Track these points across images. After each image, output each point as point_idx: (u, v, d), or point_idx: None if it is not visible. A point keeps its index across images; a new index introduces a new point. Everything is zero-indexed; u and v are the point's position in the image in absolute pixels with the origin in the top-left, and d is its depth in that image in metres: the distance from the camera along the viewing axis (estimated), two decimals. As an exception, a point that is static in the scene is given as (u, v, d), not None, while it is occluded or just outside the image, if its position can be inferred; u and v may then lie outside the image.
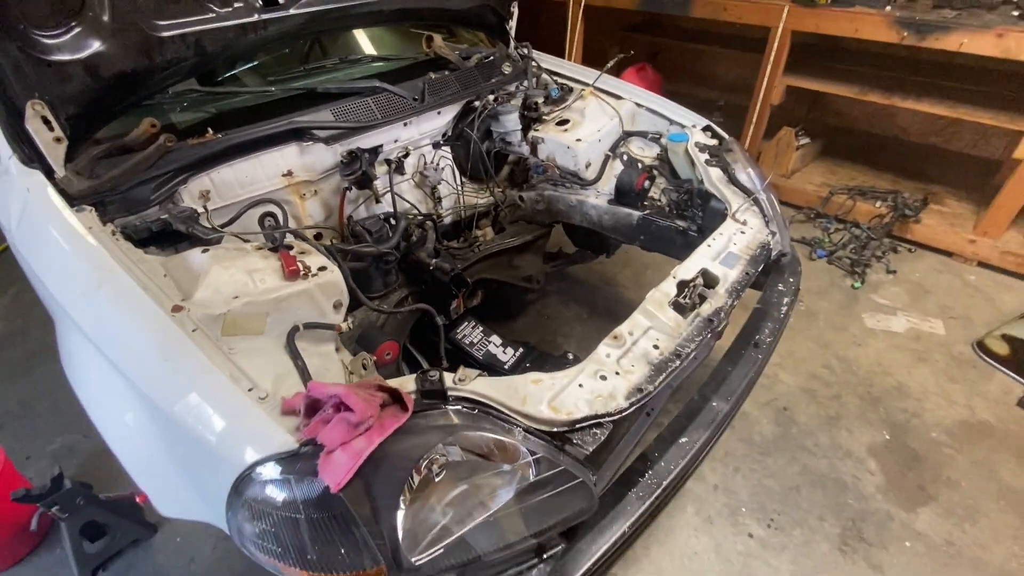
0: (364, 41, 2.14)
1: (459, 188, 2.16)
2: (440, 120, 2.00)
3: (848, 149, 3.89)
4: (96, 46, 1.29)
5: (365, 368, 1.35)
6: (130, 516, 1.77)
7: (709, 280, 1.35)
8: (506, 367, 2.00)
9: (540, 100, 2.20)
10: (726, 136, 1.98)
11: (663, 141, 2.07)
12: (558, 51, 3.97)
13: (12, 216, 1.35)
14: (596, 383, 1.09)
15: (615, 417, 1.04)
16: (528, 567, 0.99)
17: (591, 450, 1.01)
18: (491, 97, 2.06)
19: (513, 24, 2.38)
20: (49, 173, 1.32)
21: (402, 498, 0.91)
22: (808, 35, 3.12)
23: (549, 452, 0.99)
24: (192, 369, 0.97)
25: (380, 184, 1.82)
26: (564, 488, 0.98)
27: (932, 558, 1.77)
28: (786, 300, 1.60)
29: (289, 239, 1.42)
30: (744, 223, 1.61)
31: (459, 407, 0.99)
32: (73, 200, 1.30)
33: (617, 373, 1.12)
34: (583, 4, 3.81)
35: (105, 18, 1.28)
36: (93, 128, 1.41)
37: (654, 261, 2.68)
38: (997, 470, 2.02)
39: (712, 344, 1.63)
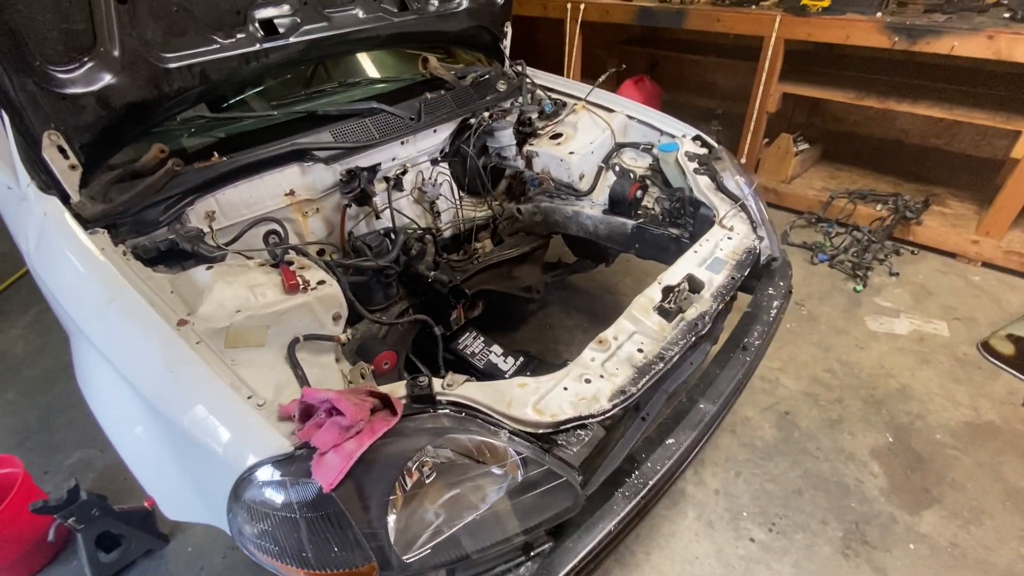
0: (363, 64, 2.23)
1: (457, 202, 2.22)
2: (436, 138, 2.07)
3: (849, 153, 3.90)
4: (107, 79, 1.37)
5: (363, 377, 1.41)
6: (144, 527, 1.83)
7: (694, 285, 1.39)
8: (507, 376, 2.04)
9: (534, 115, 2.27)
10: (715, 145, 2.02)
11: (654, 151, 2.12)
12: (557, 66, 4.07)
13: (31, 239, 1.43)
14: (580, 386, 1.13)
15: (598, 418, 1.08)
16: (516, 564, 1.03)
17: (576, 450, 1.05)
18: (486, 114, 2.13)
19: (507, 43, 2.46)
20: (65, 198, 1.41)
21: (392, 498, 0.95)
22: (804, 42, 3.16)
23: (534, 453, 1.03)
24: (195, 379, 1.03)
25: (379, 200, 1.89)
26: (549, 487, 1.02)
27: (936, 560, 1.75)
28: (776, 303, 1.63)
29: (291, 255, 1.48)
30: (731, 229, 1.64)
31: (447, 411, 1.04)
32: (87, 223, 1.38)
33: (601, 376, 1.16)
34: (580, 20, 3.89)
35: (115, 53, 1.37)
36: (106, 155, 1.49)
37: (654, 269, 2.69)
38: (1003, 471, 2.00)
39: (708, 348, 1.66)
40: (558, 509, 1.04)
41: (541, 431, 1.06)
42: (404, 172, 1.98)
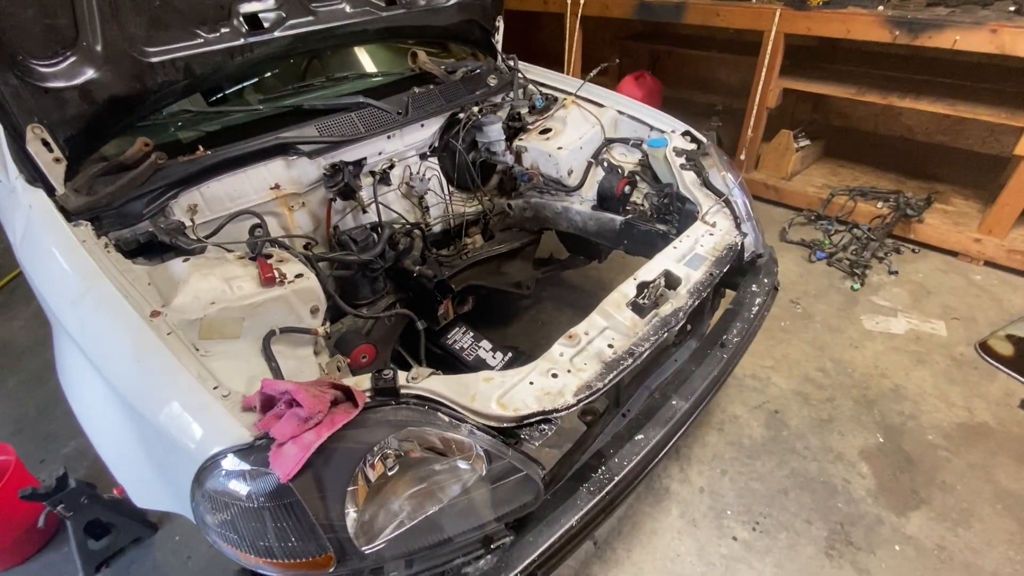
0: (351, 59, 2.23)
1: (447, 197, 2.23)
2: (424, 132, 2.07)
3: (852, 150, 3.85)
4: (90, 73, 1.39)
5: (339, 370, 1.41)
6: (132, 515, 1.86)
7: (671, 281, 1.38)
8: (495, 371, 2.04)
9: (524, 110, 2.26)
10: (704, 140, 2.00)
11: (644, 147, 2.11)
12: (558, 61, 4.05)
13: (18, 231, 1.46)
14: (547, 380, 1.13)
15: (562, 413, 1.08)
16: (475, 557, 1.03)
17: (538, 444, 1.05)
18: (475, 108, 2.12)
19: (499, 37, 2.45)
20: (50, 191, 1.43)
21: (353, 489, 0.96)
22: (807, 37, 3.12)
23: (496, 447, 1.03)
24: (162, 369, 1.04)
25: (365, 195, 1.89)
26: (509, 481, 1.02)
27: (922, 563, 1.73)
28: (758, 300, 1.61)
29: (271, 248, 1.49)
30: (713, 225, 1.63)
31: (409, 404, 1.04)
32: (71, 215, 1.40)
33: (569, 371, 1.15)
34: (580, 15, 3.87)
35: (98, 47, 1.38)
36: (90, 148, 1.51)
37: (647, 266, 2.71)
38: (994, 473, 1.97)
39: (693, 346, 1.66)
40: (519, 503, 1.04)
41: (504, 425, 1.06)
42: (391, 167, 1.99)
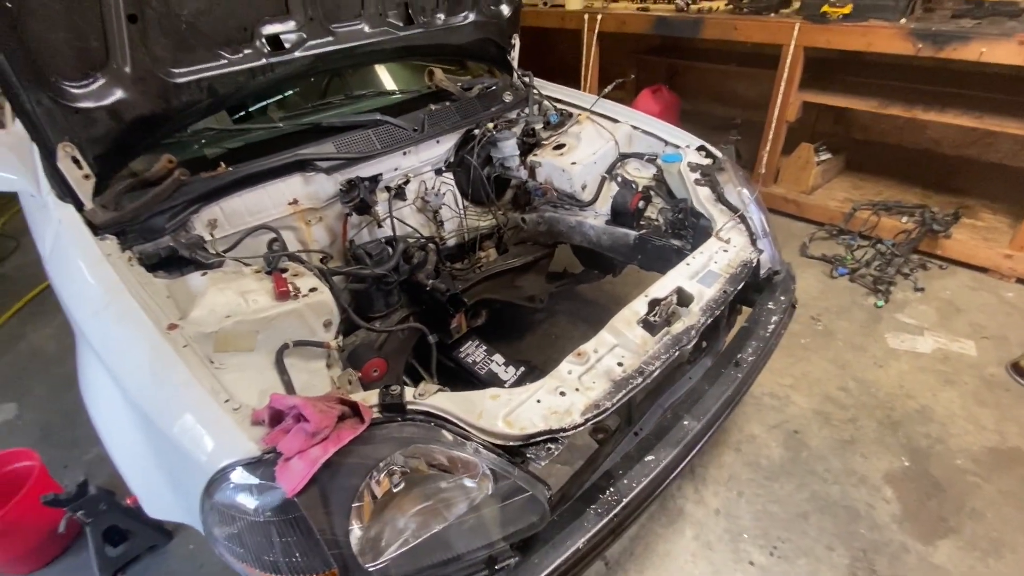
0: (370, 77, 2.28)
1: (461, 212, 2.25)
2: (440, 148, 2.10)
3: (875, 163, 3.77)
4: (119, 94, 1.44)
5: (350, 384, 1.43)
6: (148, 523, 1.89)
7: (683, 298, 1.36)
8: (507, 385, 2.03)
9: (539, 126, 2.28)
10: (719, 155, 1.98)
11: (658, 162, 2.10)
12: (575, 77, 4.07)
13: (47, 245, 1.52)
14: (554, 399, 1.12)
15: (569, 432, 1.06)
16: (479, 578, 1.02)
17: (544, 463, 1.03)
18: (490, 125, 2.15)
19: (515, 55, 2.48)
20: (79, 206, 1.48)
21: (359, 505, 0.96)
22: (828, 50, 3.08)
23: (501, 466, 1.02)
24: (176, 381, 1.06)
25: (381, 209, 1.92)
26: (515, 501, 1.01)
27: (950, 594, 1.66)
28: (775, 318, 1.58)
29: (287, 262, 1.52)
30: (728, 241, 1.61)
31: (415, 420, 1.04)
32: (98, 230, 1.45)
33: (577, 389, 1.14)
34: (597, 31, 3.89)
35: (127, 69, 1.44)
36: (118, 165, 1.57)
37: (663, 280, 2.68)
38: (1028, 501, 1.88)
39: (708, 364, 1.63)
40: (525, 524, 1.03)
41: (510, 444, 1.06)
42: (407, 182, 2.02)
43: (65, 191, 1.47)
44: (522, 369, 2.13)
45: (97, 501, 1.74)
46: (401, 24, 2.01)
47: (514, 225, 2.37)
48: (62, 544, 1.94)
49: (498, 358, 2.17)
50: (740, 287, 1.48)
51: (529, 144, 2.26)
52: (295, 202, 1.80)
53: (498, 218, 2.33)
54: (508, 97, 2.29)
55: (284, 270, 1.47)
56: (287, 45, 1.75)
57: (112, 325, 1.18)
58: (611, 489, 1.16)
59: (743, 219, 1.70)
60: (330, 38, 1.84)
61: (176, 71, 1.55)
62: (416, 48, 2.14)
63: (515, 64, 2.48)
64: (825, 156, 3.53)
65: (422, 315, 1.99)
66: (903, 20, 2.78)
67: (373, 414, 1.02)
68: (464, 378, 2.13)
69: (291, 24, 1.74)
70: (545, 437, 1.06)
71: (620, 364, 1.21)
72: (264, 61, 1.71)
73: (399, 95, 2.23)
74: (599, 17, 3.83)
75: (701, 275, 1.48)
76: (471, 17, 2.19)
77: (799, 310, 2.06)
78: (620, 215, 2.09)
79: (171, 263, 1.53)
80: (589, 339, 1.28)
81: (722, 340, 1.83)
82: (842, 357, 2.51)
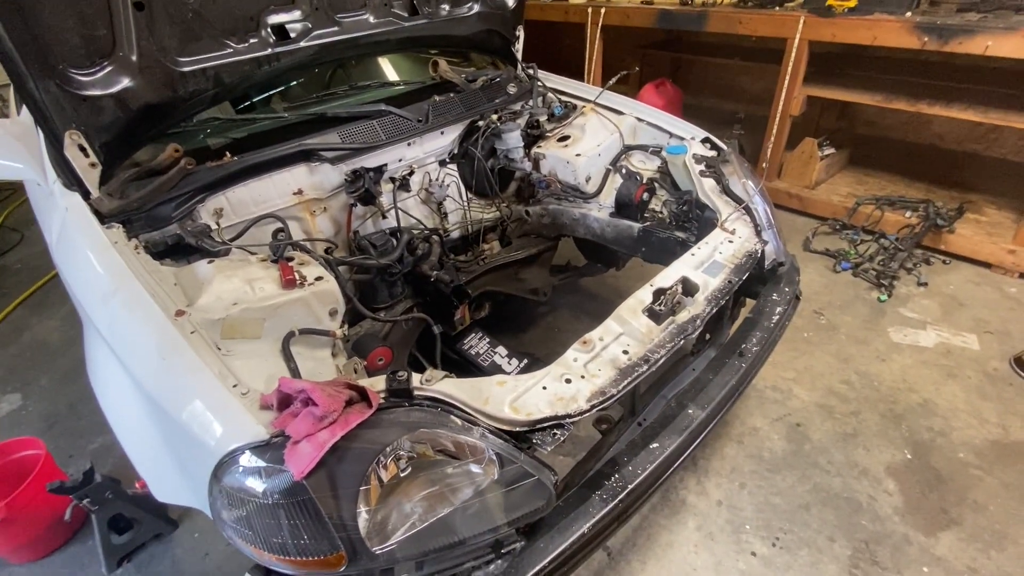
0: (374, 68, 2.28)
1: (465, 204, 2.25)
2: (444, 140, 2.10)
3: (879, 158, 3.76)
4: (125, 82, 1.44)
5: (355, 373, 1.43)
6: (154, 511, 1.90)
7: (688, 288, 1.36)
8: (508, 375, 2.04)
9: (543, 118, 2.28)
10: (724, 147, 1.98)
11: (663, 154, 2.10)
12: (579, 71, 4.06)
13: (54, 233, 1.52)
14: (560, 386, 1.12)
15: (575, 418, 1.07)
16: (485, 562, 1.02)
17: (550, 449, 1.04)
18: (494, 116, 2.15)
19: (520, 47, 2.47)
20: (85, 195, 1.49)
21: (366, 488, 0.97)
22: (832, 44, 3.07)
23: (508, 451, 1.03)
24: (184, 366, 1.07)
25: (385, 200, 1.93)
26: (521, 486, 1.02)
27: (952, 585, 1.66)
28: (779, 310, 1.58)
29: (292, 251, 1.53)
30: (733, 232, 1.61)
31: (422, 405, 1.05)
32: (104, 218, 1.46)
33: (583, 377, 1.15)
34: (600, 24, 3.88)
35: (133, 57, 1.44)
36: (124, 154, 1.57)
37: (666, 274, 2.68)
38: (1030, 494, 1.88)
39: (712, 355, 1.63)
40: (530, 508, 1.03)
41: (516, 429, 1.06)
42: (411, 173, 2.02)
43: (72, 179, 1.48)
44: (525, 361, 2.13)
45: (103, 489, 1.75)
46: (406, 14, 2.01)
47: (518, 217, 2.37)
48: (68, 532, 1.95)
49: (501, 350, 2.17)
50: (745, 277, 1.48)
51: (533, 136, 2.26)
52: (300, 192, 1.80)
53: (502, 210, 2.33)
54: (512, 89, 2.29)
55: (290, 259, 1.48)
56: (292, 34, 1.75)
57: (120, 311, 1.19)
58: (616, 476, 1.17)
59: (748, 210, 1.70)
60: (335, 28, 1.84)
61: (182, 60, 1.55)
62: (421, 39, 2.13)
63: (519, 56, 2.47)
64: (829, 151, 3.52)
65: (426, 306, 2.00)
66: (908, 14, 2.77)
67: (380, 399, 1.03)
68: (467, 370, 2.14)
69: (297, 14, 1.74)
70: (551, 423, 1.06)
71: (625, 352, 1.21)
72: (270, 51, 1.71)
73: (403, 86, 2.23)
74: (603, 10, 3.82)
75: (706, 265, 1.48)
76: (476, 8, 2.18)
77: (802, 304, 2.06)
78: (624, 207, 2.09)
79: (177, 251, 1.53)
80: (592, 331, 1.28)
81: (726, 332, 1.84)
82: (845, 351, 2.52)
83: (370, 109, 1.92)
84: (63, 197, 1.50)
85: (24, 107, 1.80)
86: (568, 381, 1.14)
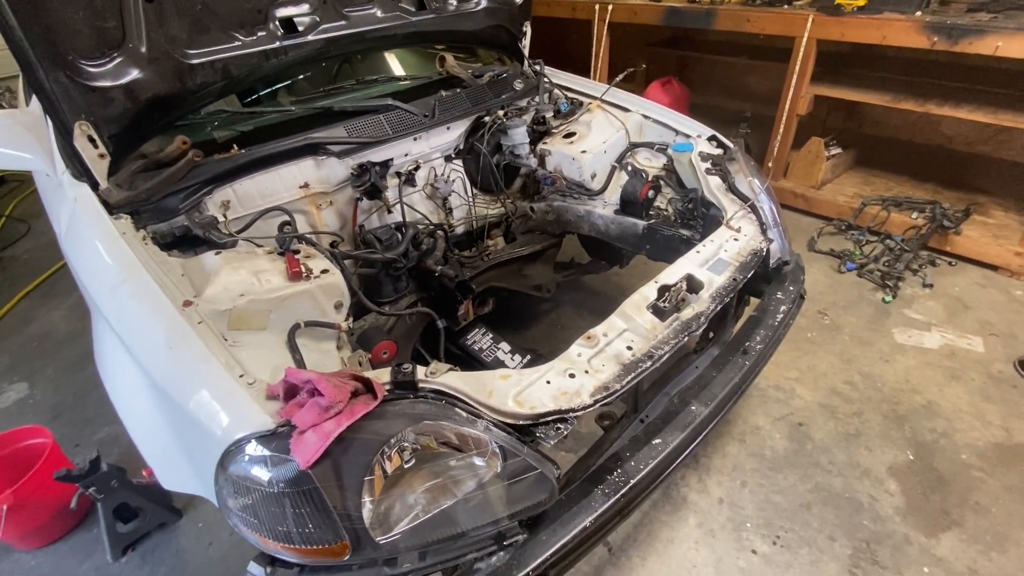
0: (381, 62, 2.28)
1: (470, 199, 2.25)
2: (450, 135, 2.10)
3: (886, 159, 3.74)
4: (134, 73, 1.45)
5: (360, 366, 1.44)
6: (159, 500, 1.92)
7: (693, 285, 1.36)
8: (512, 369, 2.04)
9: (549, 114, 2.28)
10: (730, 145, 1.98)
11: (669, 151, 2.09)
12: (585, 68, 4.05)
13: (63, 223, 1.53)
14: (564, 380, 1.13)
15: (578, 412, 1.08)
16: (488, 553, 1.03)
17: (553, 443, 1.05)
18: (500, 112, 2.15)
19: (527, 43, 2.47)
20: (94, 185, 1.49)
21: (370, 478, 0.98)
22: (840, 43, 3.06)
23: (511, 444, 1.03)
24: (192, 356, 1.08)
25: (391, 195, 1.93)
26: (524, 479, 1.02)
27: (952, 586, 1.66)
28: (783, 308, 1.58)
29: (299, 244, 1.54)
30: (738, 230, 1.61)
31: (427, 397, 1.05)
32: (113, 209, 1.47)
33: (587, 372, 1.15)
34: (608, 21, 3.87)
35: (143, 49, 1.45)
36: (133, 145, 1.58)
37: (670, 272, 2.68)
38: (1033, 496, 1.88)
39: (715, 353, 1.63)
40: (533, 501, 1.04)
41: (520, 423, 1.07)
42: (417, 168, 2.02)
43: (81, 170, 1.48)
44: (528, 357, 2.13)
45: (109, 478, 1.76)
46: (413, 9, 2.01)
47: (522, 214, 2.37)
48: (74, 520, 1.97)
49: (504, 346, 2.18)
50: (749, 276, 1.48)
51: (539, 132, 2.26)
52: (306, 185, 1.81)
53: (507, 206, 2.33)
54: (519, 85, 2.28)
55: (296, 251, 1.48)
56: (300, 28, 1.75)
57: (128, 301, 1.20)
58: (618, 471, 1.17)
59: (754, 209, 1.70)
60: (343, 22, 1.85)
61: (191, 52, 1.56)
62: (428, 34, 2.14)
63: (526, 52, 2.47)
64: (835, 151, 3.51)
65: (430, 301, 2.00)
66: (918, 13, 2.76)
67: (385, 391, 1.04)
68: (470, 365, 2.14)
69: (305, 7, 1.75)
70: (554, 417, 1.07)
71: (629, 348, 1.22)
72: (278, 44, 1.72)
73: (410, 81, 2.23)
74: (610, 7, 3.81)
75: (711, 263, 1.48)
76: (483, 3, 2.18)
77: (806, 304, 2.05)
78: (629, 204, 2.09)
79: (184, 242, 1.55)
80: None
81: (729, 330, 1.84)
82: (848, 351, 2.51)
83: (377, 104, 1.93)
84: (72, 188, 1.51)
85: (33, 98, 1.83)
86: (572, 376, 1.14)
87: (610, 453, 1.29)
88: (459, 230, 2.27)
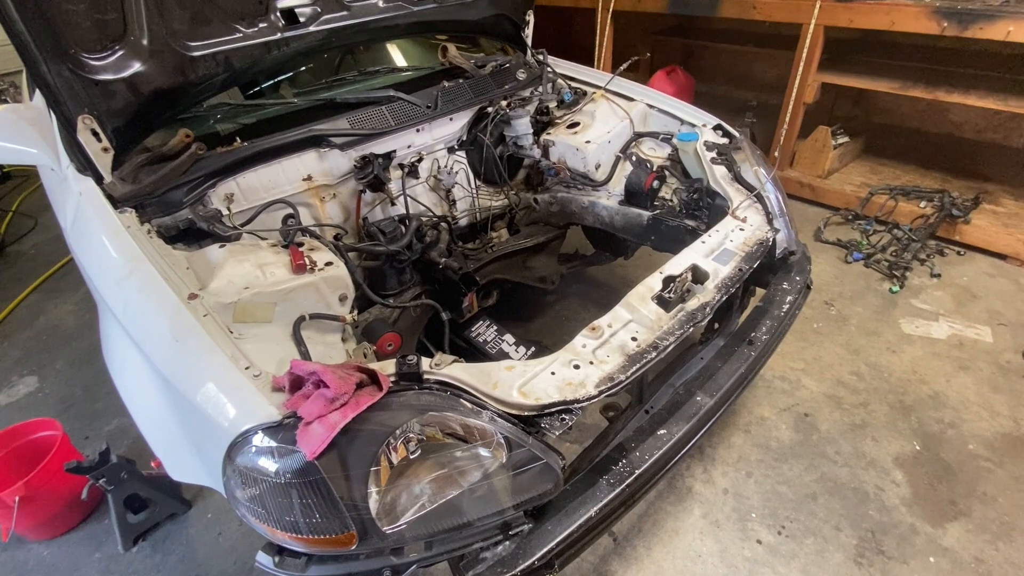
0: (383, 53, 2.27)
1: (474, 191, 2.24)
2: (453, 126, 2.09)
3: (894, 148, 3.70)
4: (136, 66, 1.45)
5: (365, 358, 1.45)
6: (168, 491, 1.94)
7: (698, 276, 1.36)
8: (517, 360, 2.05)
9: (553, 104, 2.26)
10: (736, 134, 1.96)
11: (674, 141, 2.08)
12: (589, 57, 4.02)
13: (68, 217, 1.54)
14: (568, 371, 1.13)
15: (583, 403, 1.08)
16: (493, 543, 1.04)
17: (558, 434, 1.05)
18: (503, 103, 2.13)
19: (529, 32, 2.45)
20: (98, 179, 1.50)
21: (376, 469, 0.98)
22: (848, 29, 3.02)
23: (516, 434, 1.04)
24: (198, 348, 1.09)
25: (394, 187, 1.93)
26: (529, 469, 1.03)
27: (958, 576, 1.66)
28: (789, 299, 1.57)
29: (302, 237, 1.54)
30: (744, 220, 1.59)
31: (432, 389, 1.06)
32: (117, 203, 1.47)
33: (591, 363, 1.15)
34: (611, 9, 3.83)
35: (144, 41, 1.44)
36: (136, 139, 1.58)
37: (675, 263, 2.66)
38: (1041, 487, 1.87)
39: (720, 343, 1.62)
40: (538, 491, 1.04)
41: (525, 414, 1.07)
42: (420, 160, 2.01)
43: (85, 164, 1.49)
44: (532, 349, 2.13)
45: (119, 469, 1.78)
46: (415, -1, 1.99)
47: (526, 205, 2.36)
48: (84, 511, 1.99)
49: (508, 338, 2.18)
50: (755, 266, 1.47)
51: (543, 123, 2.24)
52: (309, 178, 1.81)
53: (510, 198, 2.32)
54: (522, 75, 2.27)
55: (300, 244, 1.49)
56: (302, 19, 1.74)
57: (135, 295, 1.21)
58: (623, 461, 1.17)
59: (760, 198, 1.68)
60: (344, 12, 1.83)
61: (192, 44, 1.55)
62: (430, 23, 2.12)
63: (529, 42, 2.45)
64: (842, 139, 3.47)
65: (434, 294, 2.00)
66: (928, -2, 2.71)
67: (390, 382, 1.04)
68: (475, 357, 2.15)
69: (306, -2, 1.73)
70: (559, 408, 1.07)
71: (634, 339, 1.21)
72: (279, 35, 1.71)
73: (412, 72, 2.21)
74: (614, -4, 3.76)
75: (716, 253, 1.47)
76: (486, -8, 2.16)
77: (812, 295, 2.04)
78: (634, 195, 2.07)
79: (189, 236, 1.55)
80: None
81: (735, 320, 1.83)
82: (855, 342, 2.50)
83: (379, 95, 1.92)
84: (77, 182, 1.51)
85: (37, 92, 1.82)
86: (576, 367, 1.14)
87: (615, 444, 1.30)
88: (463, 222, 2.26)
